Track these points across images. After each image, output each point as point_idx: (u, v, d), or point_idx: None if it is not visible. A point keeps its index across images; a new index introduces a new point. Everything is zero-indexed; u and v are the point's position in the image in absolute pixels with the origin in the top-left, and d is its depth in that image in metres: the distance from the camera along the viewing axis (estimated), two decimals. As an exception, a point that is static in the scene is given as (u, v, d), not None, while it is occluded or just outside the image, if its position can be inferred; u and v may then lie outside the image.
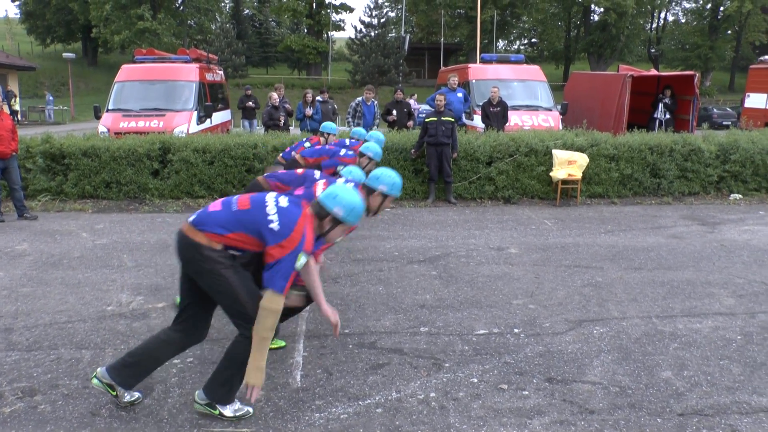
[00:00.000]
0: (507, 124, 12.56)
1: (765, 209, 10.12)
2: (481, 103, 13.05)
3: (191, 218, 3.51)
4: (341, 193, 3.51)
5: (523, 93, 14.83)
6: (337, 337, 4.53)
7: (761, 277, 6.46)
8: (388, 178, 4.08)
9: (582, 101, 16.42)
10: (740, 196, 10.90)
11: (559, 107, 15.05)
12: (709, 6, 48.80)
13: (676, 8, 53.57)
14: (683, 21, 53.10)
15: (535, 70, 15.75)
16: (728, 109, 28.88)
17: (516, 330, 4.93)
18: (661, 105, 15.08)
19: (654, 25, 53.03)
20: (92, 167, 10.01)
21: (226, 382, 3.56)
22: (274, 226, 3.32)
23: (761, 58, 23.38)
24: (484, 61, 16.62)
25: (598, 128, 11.72)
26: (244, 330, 3.43)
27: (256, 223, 3.36)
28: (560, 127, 13.65)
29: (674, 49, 50.52)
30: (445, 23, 43.12)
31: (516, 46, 52.83)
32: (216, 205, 3.53)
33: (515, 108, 13.77)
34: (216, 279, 3.39)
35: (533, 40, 53.31)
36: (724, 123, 25.22)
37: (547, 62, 47.66)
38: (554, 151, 10.17)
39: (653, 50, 50.87)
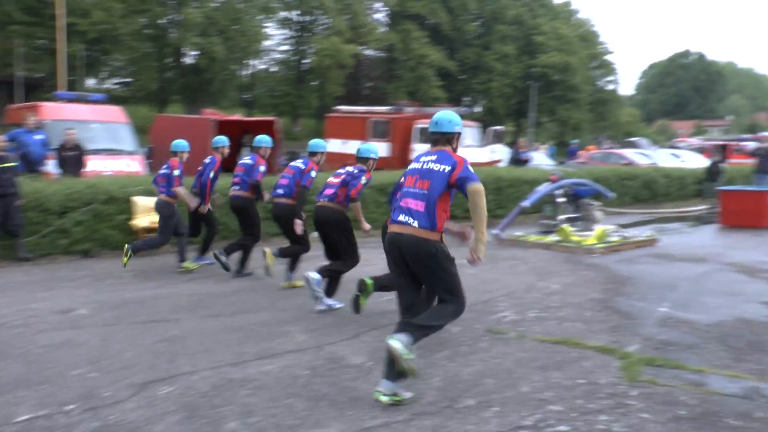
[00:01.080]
0: (84, 170, 11.67)
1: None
2: (56, 147, 11.94)
3: (412, 221, 4.39)
4: (450, 116, 4.64)
5: (105, 135, 13.98)
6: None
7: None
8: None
9: (170, 144, 16.18)
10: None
11: (144, 150, 14.60)
12: (295, 58, 53.45)
13: (266, 57, 57.04)
14: (275, 70, 56.88)
15: (116, 111, 14.95)
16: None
17: (68, 407, 4.29)
18: (245, 149, 15.74)
19: (248, 72, 55.58)
20: None
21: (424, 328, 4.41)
22: (446, 169, 4.39)
23: (335, 107, 26.41)
24: (59, 99, 15.21)
25: (192, 171, 11.59)
26: (451, 302, 4.50)
27: (438, 183, 4.39)
28: (147, 171, 13.21)
29: (265, 95, 53.88)
30: (24, 55, 38.62)
31: (108, 85, 49.87)
32: (413, 204, 4.44)
33: (95, 152, 12.92)
34: (445, 276, 4.44)
35: (127, 79, 51.05)
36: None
37: (141, 103, 46.16)
38: (134, 198, 9.69)
39: (246, 96, 53.57)
